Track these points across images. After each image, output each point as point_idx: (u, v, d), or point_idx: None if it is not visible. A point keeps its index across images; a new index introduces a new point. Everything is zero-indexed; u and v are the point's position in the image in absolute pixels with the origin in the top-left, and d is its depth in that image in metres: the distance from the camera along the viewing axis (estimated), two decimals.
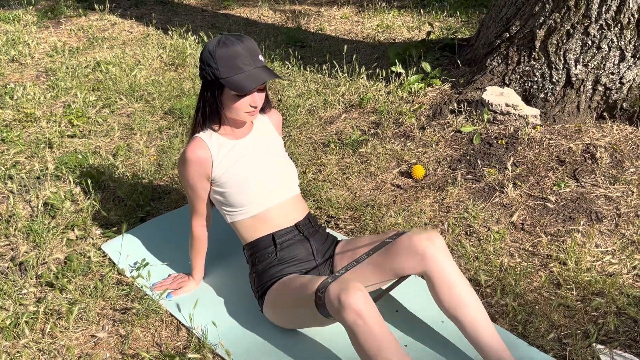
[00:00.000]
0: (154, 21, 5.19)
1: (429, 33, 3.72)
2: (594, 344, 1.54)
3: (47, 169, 2.62)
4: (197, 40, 4.53)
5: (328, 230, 1.79)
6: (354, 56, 3.71)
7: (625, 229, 2.01)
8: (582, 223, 2.03)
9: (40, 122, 3.17)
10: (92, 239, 2.16)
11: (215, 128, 1.63)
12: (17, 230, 2.18)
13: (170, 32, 4.77)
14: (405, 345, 1.57)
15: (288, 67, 3.86)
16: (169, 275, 1.92)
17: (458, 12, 4.94)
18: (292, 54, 4.04)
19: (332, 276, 1.38)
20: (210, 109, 1.58)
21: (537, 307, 1.69)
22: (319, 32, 4.86)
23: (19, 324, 1.70)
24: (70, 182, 2.46)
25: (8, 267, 2.02)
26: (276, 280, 1.58)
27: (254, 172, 1.63)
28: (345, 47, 3.74)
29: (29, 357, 1.58)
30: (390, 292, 1.72)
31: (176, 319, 1.72)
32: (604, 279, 1.77)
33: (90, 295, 1.82)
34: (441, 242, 1.48)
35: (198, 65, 1.57)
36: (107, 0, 5.72)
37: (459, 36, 4.01)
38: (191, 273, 1.85)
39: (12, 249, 2.12)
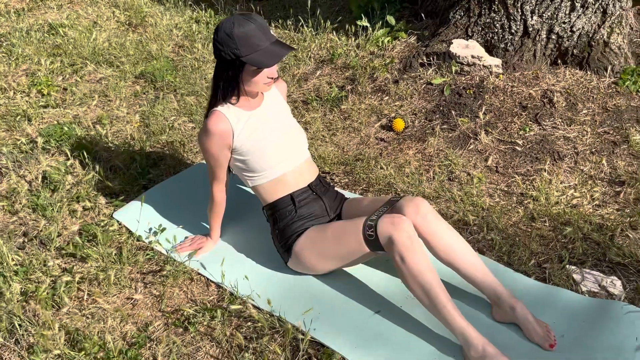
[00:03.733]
0: None
1: None
2: (567, 266, 1.85)
3: (32, 142, 2.64)
4: None
5: (336, 188, 1.98)
6: (318, 11, 3.79)
7: (583, 165, 2.31)
8: (547, 162, 2.32)
9: (7, 93, 3.12)
10: (100, 209, 2.26)
11: (233, 101, 1.75)
12: (23, 206, 2.25)
13: None
14: None
15: None
16: (186, 237, 2.07)
17: None
18: (254, 9, 4.07)
19: (376, 214, 1.62)
20: (231, 86, 1.70)
21: (517, 239, 1.98)
22: None
23: (54, 295, 1.83)
24: (67, 154, 2.51)
25: (24, 242, 2.11)
26: (300, 234, 1.77)
27: (270, 139, 1.78)
28: (309, 2, 3.80)
29: (83, 323, 1.72)
30: None
31: (204, 276, 1.90)
32: (570, 210, 2.08)
33: (117, 261, 1.95)
34: (428, 208, 1.69)
35: (213, 45, 1.67)
36: None
37: None
38: (209, 234, 2.02)
39: (21, 224, 2.19)
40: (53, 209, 2.20)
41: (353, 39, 3.37)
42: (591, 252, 1.90)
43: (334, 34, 3.50)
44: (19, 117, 2.89)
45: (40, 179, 2.39)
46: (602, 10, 2.79)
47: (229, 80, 1.70)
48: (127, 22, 4.12)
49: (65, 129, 2.72)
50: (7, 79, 3.31)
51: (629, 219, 2.01)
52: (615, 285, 1.77)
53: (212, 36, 1.66)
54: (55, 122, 2.85)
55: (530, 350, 1.57)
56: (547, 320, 1.65)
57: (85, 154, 2.48)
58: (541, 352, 1.56)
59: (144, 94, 3.16)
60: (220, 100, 1.76)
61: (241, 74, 1.68)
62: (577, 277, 1.81)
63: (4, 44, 3.73)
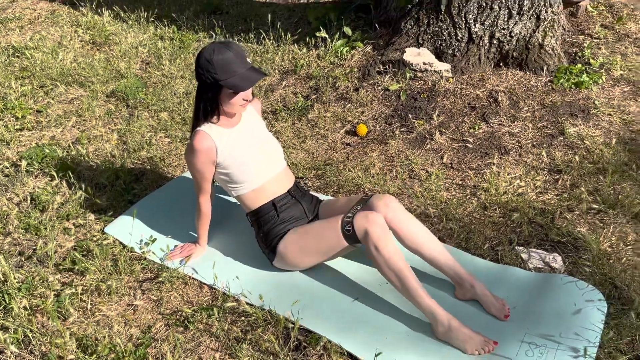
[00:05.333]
0: None
1: None
2: (516, 247, 2.13)
3: (15, 165, 2.76)
4: (112, 15, 4.55)
5: (311, 192, 2.20)
6: (278, 24, 4.00)
7: (526, 157, 2.61)
8: (495, 157, 2.61)
9: None
10: (90, 225, 2.41)
11: (214, 121, 1.95)
12: (16, 227, 2.38)
13: (81, 8, 4.72)
14: None
15: (214, 38, 4.07)
16: (176, 246, 2.25)
17: None
18: (216, 24, 4.24)
19: (351, 212, 1.86)
20: (211, 106, 1.90)
21: (472, 226, 2.25)
22: None
23: (59, 307, 1.98)
24: (52, 175, 2.64)
25: (20, 261, 2.25)
26: (282, 236, 1.99)
27: (250, 153, 1.99)
28: (269, 15, 4.01)
29: (91, 329, 1.89)
30: None
31: (197, 280, 2.09)
32: (516, 198, 2.36)
33: (114, 272, 2.12)
34: (396, 204, 1.94)
35: (194, 69, 1.87)
36: None
37: None
38: (197, 241, 2.21)
39: (15, 245, 2.33)
40: (46, 228, 2.34)
41: (313, 50, 3.60)
42: (536, 234, 2.19)
43: (295, 45, 3.72)
44: None
45: (28, 201, 2.52)
46: (536, 16, 3.11)
47: (209, 101, 1.90)
48: (91, 41, 4.23)
49: (47, 150, 2.84)
50: None
51: (566, 202, 2.31)
52: (557, 260, 2.05)
53: (195, 61, 1.86)
54: (35, 145, 2.97)
55: (488, 321, 1.84)
56: (501, 295, 1.92)
57: (70, 173, 2.62)
58: (497, 322, 1.83)
59: (118, 112, 3.30)
60: (202, 120, 1.96)
61: (219, 96, 1.88)
62: (524, 256, 2.09)
63: None
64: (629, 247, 2.07)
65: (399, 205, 1.94)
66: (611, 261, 2.01)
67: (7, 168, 2.75)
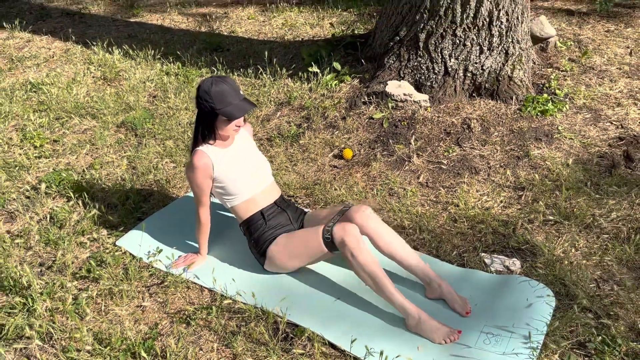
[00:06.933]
0: (73, 37, 5.45)
1: (333, 35, 4.45)
2: (480, 253, 2.40)
3: (34, 189, 3.07)
4: (121, 53, 4.93)
5: (297, 205, 2.50)
6: (274, 60, 4.36)
7: (494, 176, 2.91)
8: (466, 176, 2.90)
9: (2, 147, 3.53)
10: (103, 240, 2.70)
11: (211, 142, 2.27)
12: (37, 242, 2.67)
13: (93, 47, 5.10)
14: None
15: (215, 73, 4.43)
16: (179, 256, 2.54)
17: (352, 9, 5.72)
18: (218, 61, 4.61)
19: (331, 222, 2.11)
20: (208, 130, 2.22)
21: (443, 236, 2.53)
22: (232, 34, 5.43)
23: (77, 309, 2.26)
24: (69, 196, 2.95)
25: (41, 270, 2.53)
26: (271, 241, 2.27)
27: (242, 169, 2.30)
28: (266, 52, 4.37)
29: (105, 325, 2.16)
30: None
31: (198, 284, 2.36)
32: (483, 212, 2.65)
33: (125, 279, 2.40)
34: (370, 212, 2.22)
35: (195, 98, 2.19)
36: (13, 16, 5.85)
37: (356, 31, 4.79)
38: (198, 251, 2.49)
39: (36, 256, 2.61)
40: (64, 242, 2.63)
41: (306, 83, 3.95)
42: (498, 242, 2.47)
43: (290, 79, 4.07)
44: (17, 167, 3.31)
45: (48, 219, 2.82)
46: (504, 51, 3.45)
47: (207, 126, 2.22)
48: (103, 77, 4.60)
49: (63, 175, 3.15)
50: (1, 134, 3.72)
51: (527, 215, 2.60)
52: (516, 264, 2.33)
53: (195, 91, 2.18)
54: (52, 170, 3.28)
55: (452, 316, 2.11)
56: (465, 294, 2.19)
57: (85, 194, 2.92)
58: (460, 317, 2.09)
59: (127, 140, 3.63)
60: (200, 141, 2.27)
61: (216, 122, 2.20)
62: (487, 261, 2.36)
63: None
64: (578, 252, 2.35)
65: (374, 214, 2.23)
66: (562, 264, 2.28)
67: (27, 191, 3.06)
